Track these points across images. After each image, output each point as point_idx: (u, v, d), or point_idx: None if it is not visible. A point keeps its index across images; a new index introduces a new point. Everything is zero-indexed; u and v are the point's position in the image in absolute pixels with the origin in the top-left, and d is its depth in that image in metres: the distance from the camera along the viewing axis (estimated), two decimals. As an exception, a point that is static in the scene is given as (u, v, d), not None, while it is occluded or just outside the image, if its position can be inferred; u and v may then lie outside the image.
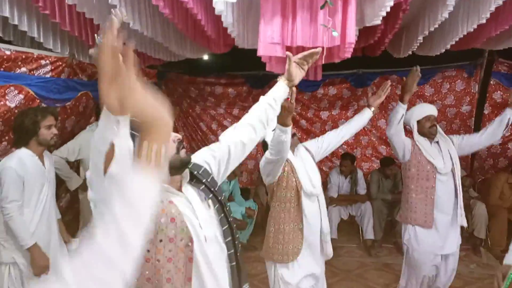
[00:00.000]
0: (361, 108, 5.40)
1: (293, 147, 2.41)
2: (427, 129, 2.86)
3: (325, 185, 5.32)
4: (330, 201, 4.78)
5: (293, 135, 2.35)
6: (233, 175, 4.55)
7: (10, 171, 2.26)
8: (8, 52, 2.54)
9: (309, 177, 2.38)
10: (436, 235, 2.80)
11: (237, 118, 5.74)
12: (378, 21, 2.18)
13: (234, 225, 1.40)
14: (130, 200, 0.66)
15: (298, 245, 2.29)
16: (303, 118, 5.70)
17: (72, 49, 3.00)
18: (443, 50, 3.22)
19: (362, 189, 4.88)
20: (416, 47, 3.29)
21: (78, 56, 3.09)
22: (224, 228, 1.35)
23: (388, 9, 1.94)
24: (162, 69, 5.23)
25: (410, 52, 3.53)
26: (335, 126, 5.54)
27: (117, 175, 0.85)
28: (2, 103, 2.56)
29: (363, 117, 2.73)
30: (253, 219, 4.65)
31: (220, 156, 1.45)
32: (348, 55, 1.94)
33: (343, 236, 4.88)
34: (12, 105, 2.62)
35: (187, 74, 5.64)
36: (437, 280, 2.97)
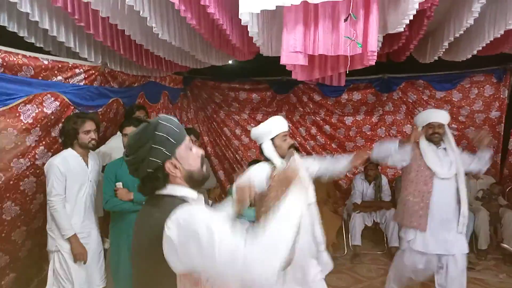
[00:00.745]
0: (386, 113, 5.40)
1: (287, 157, 2.40)
2: (428, 135, 2.95)
3: (349, 191, 5.30)
4: (354, 208, 4.76)
5: (292, 145, 2.43)
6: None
7: (55, 168, 2.52)
8: (46, 62, 2.70)
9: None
10: (432, 236, 2.86)
11: (260, 123, 5.84)
12: (401, 29, 2.19)
13: None
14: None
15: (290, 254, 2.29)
16: (327, 124, 5.70)
17: (104, 58, 3.15)
18: (470, 56, 3.17)
19: (386, 196, 4.82)
20: (442, 52, 3.26)
21: (110, 65, 3.23)
22: None
23: (411, 17, 1.95)
24: (188, 75, 5.37)
25: (436, 58, 3.49)
26: (359, 131, 5.53)
27: None
28: (39, 109, 2.72)
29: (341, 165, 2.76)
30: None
31: None
32: (372, 63, 1.96)
33: (367, 243, 4.84)
34: (49, 112, 2.77)
35: (212, 80, 5.76)
36: (445, 282, 2.94)
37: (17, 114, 2.61)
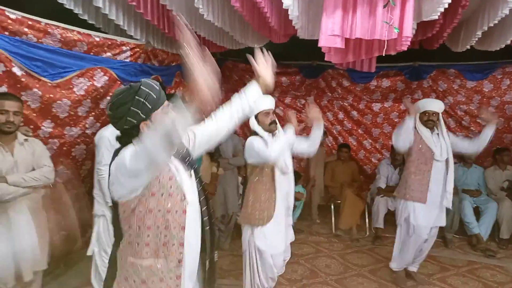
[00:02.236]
0: (415, 101, 5.41)
1: (273, 131, 2.70)
2: (423, 121, 3.32)
3: (373, 176, 5.40)
4: (378, 192, 4.86)
5: (273, 121, 2.67)
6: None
7: (105, 139, 2.68)
8: (97, 39, 2.93)
9: (284, 158, 2.71)
10: (429, 211, 3.31)
11: (289, 106, 5.99)
12: (435, 16, 2.27)
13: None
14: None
15: (271, 212, 2.65)
16: (354, 109, 5.78)
17: (148, 36, 3.36)
18: (503, 46, 3.19)
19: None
20: (475, 41, 3.28)
21: (153, 43, 3.44)
22: (201, 198, 1.58)
23: (446, 6, 2.04)
24: (220, 56, 5.54)
25: (468, 47, 3.51)
26: (386, 118, 5.59)
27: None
28: (90, 83, 2.96)
29: (318, 131, 2.95)
30: (302, 203, 4.86)
31: (193, 138, 1.66)
32: (404, 48, 2.07)
33: (389, 226, 4.94)
34: (99, 85, 3.01)
35: (243, 63, 5.91)
36: (423, 248, 3.51)
37: (71, 86, 2.87)
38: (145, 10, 2.67)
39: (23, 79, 2.58)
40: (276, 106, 6.07)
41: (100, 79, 3.02)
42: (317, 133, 2.92)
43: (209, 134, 1.65)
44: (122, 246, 1.50)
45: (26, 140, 2.44)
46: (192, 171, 1.58)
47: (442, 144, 3.30)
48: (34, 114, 2.70)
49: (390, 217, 5.03)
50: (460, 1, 2.45)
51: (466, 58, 4.64)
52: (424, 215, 3.31)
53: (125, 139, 1.43)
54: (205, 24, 3.02)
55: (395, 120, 5.57)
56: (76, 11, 2.91)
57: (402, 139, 3.32)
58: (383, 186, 4.90)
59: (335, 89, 5.81)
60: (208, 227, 1.59)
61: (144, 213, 1.42)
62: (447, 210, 4.49)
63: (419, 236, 3.36)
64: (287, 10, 2.29)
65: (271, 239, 2.67)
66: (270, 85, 1.68)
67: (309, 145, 2.95)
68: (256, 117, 2.64)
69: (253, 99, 1.67)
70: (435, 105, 3.35)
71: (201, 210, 1.57)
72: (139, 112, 1.37)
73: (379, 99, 5.62)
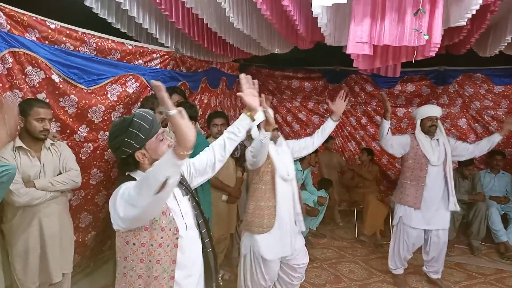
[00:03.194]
0: (440, 106, 5.36)
1: (275, 139, 2.78)
2: (427, 127, 3.40)
3: (397, 181, 5.34)
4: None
5: (275, 129, 2.74)
6: (307, 165, 4.81)
7: None
8: (130, 47, 3.06)
9: (285, 166, 2.75)
10: (421, 215, 3.42)
11: (311, 111, 6.03)
12: (463, 22, 2.28)
13: (208, 219, 1.71)
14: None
15: (271, 220, 2.68)
16: (377, 114, 5.76)
17: (177, 44, 3.47)
18: (533, 50, 3.15)
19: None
20: (504, 46, 3.24)
21: (182, 50, 3.55)
22: (200, 221, 1.65)
23: (474, 12, 2.04)
24: (244, 62, 5.63)
25: (497, 51, 3.47)
26: (411, 123, 5.54)
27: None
28: (123, 89, 3.08)
29: (328, 127, 2.95)
30: (324, 207, 4.87)
31: (190, 169, 1.75)
32: (433, 54, 2.08)
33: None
34: (130, 91, 3.13)
35: (266, 68, 5.98)
36: (429, 250, 3.57)
37: (105, 93, 2.99)
38: (177, 19, 2.77)
39: (61, 86, 2.71)
40: (299, 111, 6.16)
41: (132, 86, 3.13)
42: (330, 126, 2.94)
43: (204, 165, 1.75)
44: (118, 277, 1.56)
45: (52, 144, 2.49)
46: (190, 196, 1.66)
47: (441, 149, 3.39)
48: (71, 119, 2.83)
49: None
50: (489, 6, 2.44)
51: (493, 62, 4.56)
52: (416, 218, 3.44)
53: (123, 167, 1.56)
54: (233, 31, 3.10)
55: (420, 125, 5.51)
56: (109, 21, 3.04)
57: (391, 145, 3.44)
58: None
59: (358, 94, 5.81)
60: (210, 249, 1.66)
61: (138, 246, 1.48)
62: (472, 218, 4.51)
63: (409, 236, 3.51)
64: (314, 17, 2.33)
65: (271, 246, 2.69)
66: (256, 109, 1.77)
67: (318, 136, 2.97)
68: (258, 126, 2.65)
69: (245, 129, 1.78)
70: (437, 111, 3.46)
71: (200, 232, 1.65)
72: (133, 142, 1.49)
73: (403, 104, 5.59)
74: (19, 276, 2.34)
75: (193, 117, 2.99)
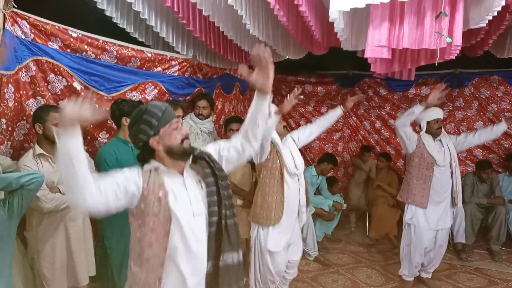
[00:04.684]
0: (456, 109, 5.31)
1: (282, 136, 2.87)
2: (435, 129, 3.45)
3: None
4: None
5: (284, 127, 2.87)
6: (326, 172, 4.82)
7: None
8: (149, 55, 3.11)
9: (293, 161, 2.84)
10: (432, 214, 3.43)
11: (325, 116, 6.00)
12: (483, 24, 2.27)
13: (228, 205, 1.63)
14: None
15: (279, 213, 2.76)
16: (392, 118, 5.72)
17: (194, 51, 3.51)
18: (553, 51, 3.11)
19: (454, 192, 4.78)
20: (522, 47, 3.22)
21: (198, 58, 3.60)
22: (211, 208, 1.61)
23: (496, 13, 2.04)
24: (257, 68, 5.65)
25: (515, 52, 3.45)
26: (426, 126, 5.48)
27: None
28: (142, 96, 3.13)
29: (335, 114, 3.20)
30: (340, 213, 4.85)
31: (223, 153, 1.74)
32: (453, 56, 2.08)
33: (431, 237, 4.84)
34: (149, 98, 3.18)
35: (278, 73, 6.00)
36: (434, 251, 3.57)
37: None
38: (194, 27, 2.82)
39: (82, 93, 2.77)
40: (312, 115, 6.14)
41: (151, 92, 3.19)
42: (334, 115, 3.14)
43: (236, 149, 1.74)
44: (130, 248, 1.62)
45: None
46: (203, 183, 1.63)
47: (445, 149, 3.45)
48: (91, 126, 2.89)
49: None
50: (508, 7, 2.42)
51: (510, 64, 4.52)
52: (425, 218, 3.44)
53: (141, 156, 1.62)
54: (248, 38, 3.14)
55: (435, 129, 5.46)
56: (128, 30, 3.10)
57: (405, 132, 3.45)
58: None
59: (372, 98, 5.78)
60: (213, 236, 1.60)
61: (136, 226, 1.54)
62: (491, 222, 4.44)
63: (421, 238, 3.47)
64: (330, 23, 2.35)
65: (277, 238, 2.78)
66: (268, 86, 1.61)
67: (324, 121, 3.15)
68: None
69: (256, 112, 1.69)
70: (441, 113, 3.56)
71: (209, 221, 1.61)
72: (148, 128, 1.54)
73: (418, 107, 5.53)
74: (48, 282, 2.37)
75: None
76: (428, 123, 3.47)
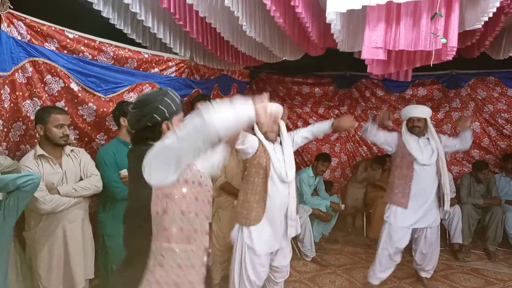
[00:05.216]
0: (452, 110, 5.33)
1: (273, 139, 2.78)
2: (410, 128, 3.43)
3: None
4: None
5: (272, 132, 2.73)
6: (321, 172, 4.82)
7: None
8: (146, 56, 3.11)
9: (284, 166, 2.73)
10: (410, 214, 3.37)
11: (322, 117, 6.02)
12: (478, 26, 2.28)
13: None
14: None
15: (259, 213, 2.68)
16: (388, 119, 5.72)
17: (191, 52, 3.52)
18: (549, 52, 3.13)
19: (451, 192, 4.75)
20: (518, 48, 3.24)
21: (196, 59, 3.60)
22: None
23: (491, 15, 2.05)
24: (254, 69, 5.67)
25: (511, 54, 3.46)
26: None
27: None
28: (139, 97, 3.13)
29: (322, 126, 3.04)
30: (337, 213, 4.86)
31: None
32: (449, 58, 2.09)
33: (427, 237, 4.86)
34: (146, 99, 3.18)
35: (276, 74, 6.01)
36: (419, 248, 3.55)
37: (122, 101, 3.04)
38: (191, 29, 2.82)
39: (79, 94, 2.77)
40: (310, 116, 6.15)
41: (148, 93, 3.18)
42: (325, 128, 3.00)
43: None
44: (156, 232, 1.51)
45: (72, 151, 2.53)
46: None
47: (433, 148, 3.38)
48: (89, 127, 2.88)
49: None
50: (503, 8, 2.44)
51: (506, 65, 4.54)
52: (403, 217, 3.39)
53: (146, 135, 1.53)
54: (245, 40, 3.15)
55: (432, 130, 5.48)
56: (125, 31, 3.09)
57: (374, 136, 3.52)
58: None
59: (369, 98, 5.80)
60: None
61: (179, 198, 1.50)
62: (488, 222, 4.45)
63: (392, 237, 3.44)
64: (326, 24, 2.36)
65: (259, 239, 2.70)
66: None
67: (316, 130, 3.04)
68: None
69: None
70: (419, 111, 3.44)
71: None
72: (165, 111, 1.52)
73: (415, 108, 5.55)
74: (43, 284, 2.37)
75: None
76: (407, 122, 3.46)
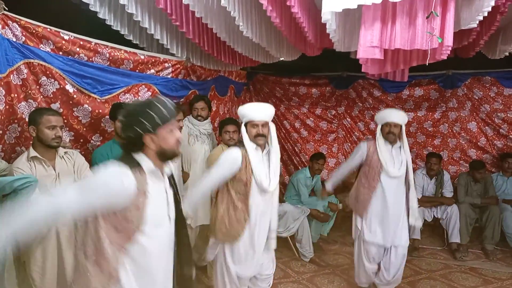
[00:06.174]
0: (449, 110, 5.34)
1: (261, 145, 2.50)
2: (385, 134, 3.17)
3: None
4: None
5: (260, 135, 2.44)
6: (318, 171, 4.81)
7: None
8: (142, 57, 3.11)
9: (268, 176, 2.49)
10: (379, 230, 3.20)
11: (319, 117, 6.03)
12: (474, 25, 2.29)
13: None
14: None
15: (239, 232, 2.47)
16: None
17: (188, 53, 3.51)
18: (544, 51, 3.14)
19: (448, 192, 4.78)
20: (513, 48, 3.25)
21: (192, 60, 3.59)
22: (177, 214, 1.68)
23: (486, 14, 2.05)
24: (251, 70, 5.67)
25: (506, 53, 3.47)
26: (420, 127, 5.52)
27: None
28: (135, 98, 3.12)
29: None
30: (335, 214, 4.85)
31: None
32: (444, 57, 2.09)
33: (426, 238, 4.87)
34: (143, 100, 3.17)
35: (273, 75, 6.01)
36: (389, 268, 3.29)
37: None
38: (187, 29, 2.81)
39: (75, 96, 2.75)
40: (307, 117, 6.15)
41: (144, 95, 3.17)
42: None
43: None
44: None
45: (65, 153, 2.47)
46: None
47: (403, 158, 3.17)
48: (84, 129, 2.87)
49: (427, 228, 4.96)
50: (499, 8, 2.44)
51: (502, 64, 4.56)
52: (374, 232, 3.22)
53: (128, 147, 1.55)
54: (242, 40, 3.15)
55: (429, 130, 5.49)
56: (122, 32, 3.09)
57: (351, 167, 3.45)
58: (419, 196, 4.81)
59: (366, 99, 5.81)
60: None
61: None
62: (485, 221, 4.45)
63: (368, 252, 3.29)
64: (323, 24, 2.36)
65: (240, 261, 2.54)
66: None
67: None
68: (246, 125, 2.48)
69: None
70: (397, 116, 3.17)
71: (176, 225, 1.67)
72: (146, 124, 1.48)
73: (411, 108, 5.56)
74: (37, 286, 2.35)
75: None
76: (382, 126, 3.19)
